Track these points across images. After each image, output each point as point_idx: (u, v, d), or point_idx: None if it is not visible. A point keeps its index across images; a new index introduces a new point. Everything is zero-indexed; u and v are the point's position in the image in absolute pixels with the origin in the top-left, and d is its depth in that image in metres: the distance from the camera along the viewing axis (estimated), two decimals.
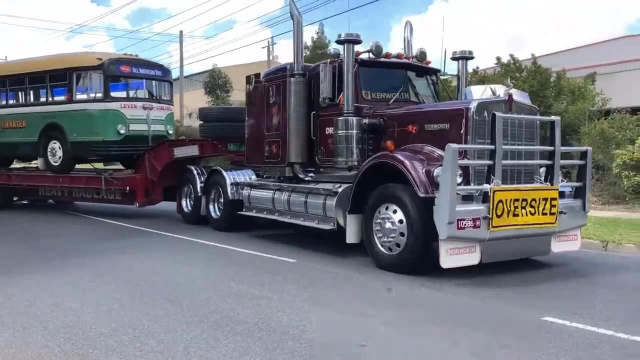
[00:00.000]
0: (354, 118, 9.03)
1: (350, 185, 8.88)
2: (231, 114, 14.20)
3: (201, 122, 14.53)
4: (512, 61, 24.56)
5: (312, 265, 8.65)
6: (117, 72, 15.93)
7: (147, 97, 16.58)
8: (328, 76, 9.11)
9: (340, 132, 9.06)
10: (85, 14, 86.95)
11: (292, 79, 10.22)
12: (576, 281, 7.58)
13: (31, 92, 17.43)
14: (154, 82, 16.88)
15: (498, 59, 25.26)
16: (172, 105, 17.55)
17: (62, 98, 16.51)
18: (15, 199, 18.83)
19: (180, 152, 14.88)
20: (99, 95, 15.65)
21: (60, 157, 16.39)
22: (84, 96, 16.06)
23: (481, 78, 23.14)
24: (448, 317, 6.00)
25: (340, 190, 9.13)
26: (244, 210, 11.83)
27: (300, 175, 10.37)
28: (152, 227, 13.63)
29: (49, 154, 16.62)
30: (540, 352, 4.90)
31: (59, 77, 16.46)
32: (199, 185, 13.45)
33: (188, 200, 14.14)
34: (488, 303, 6.49)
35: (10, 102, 17.91)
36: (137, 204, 15.26)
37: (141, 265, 8.85)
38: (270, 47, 48.64)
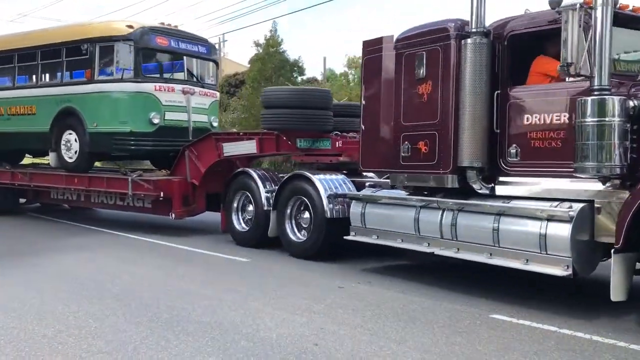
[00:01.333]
0: (615, 98, 5.25)
1: (612, 207, 5.35)
2: (307, 98, 10.07)
3: (264, 110, 10.56)
4: None
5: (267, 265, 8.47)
6: (151, 45, 12.07)
7: (187, 78, 12.74)
8: (575, 30, 5.28)
9: (588, 120, 5.25)
10: (30, 3, 79.83)
11: (467, 40, 6.42)
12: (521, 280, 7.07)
13: (44, 70, 13.48)
14: (195, 60, 13.04)
15: None
16: (217, 91, 13.71)
17: (81, 77, 12.64)
18: (22, 201, 14.89)
19: (232, 149, 11.05)
20: (128, 73, 11.79)
21: (76, 152, 12.49)
22: (109, 75, 12.17)
23: None
24: (398, 315, 5.84)
25: (575, 213, 5.46)
26: (352, 234, 8.08)
27: (476, 187, 6.58)
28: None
29: (62, 147, 12.71)
30: (489, 348, 4.87)
31: (77, 51, 12.57)
32: (263, 195, 9.63)
33: (242, 214, 10.33)
34: (437, 302, 6.30)
35: (20, 83, 13.94)
36: (173, 215, 11.40)
37: (88, 265, 8.38)
38: (221, 44, 44.65)
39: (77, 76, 12.81)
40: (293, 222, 9.17)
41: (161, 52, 12.53)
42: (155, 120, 11.94)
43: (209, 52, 13.33)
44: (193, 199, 11.65)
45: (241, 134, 11.39)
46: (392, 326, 5.40)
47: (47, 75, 13.43)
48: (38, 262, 8.42)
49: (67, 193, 13.59)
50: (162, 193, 11.33)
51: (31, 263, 8.37)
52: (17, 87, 13.78)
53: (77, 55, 12.66)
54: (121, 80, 11.85)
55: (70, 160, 12.62)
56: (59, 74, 13.00)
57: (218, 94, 13.72)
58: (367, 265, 8.35)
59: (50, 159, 13.30)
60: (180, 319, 5.53)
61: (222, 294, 6.58)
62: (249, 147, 10.82)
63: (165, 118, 12.14)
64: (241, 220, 10.29)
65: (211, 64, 13.45)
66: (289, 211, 9.16)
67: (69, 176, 12.71)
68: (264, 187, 9.69)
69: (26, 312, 5.81)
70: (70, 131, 12.57)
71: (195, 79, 12.90)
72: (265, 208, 9.55)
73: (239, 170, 10.61)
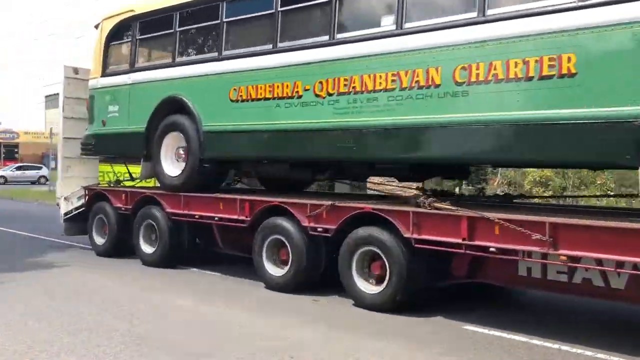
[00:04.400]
0: None
1: None
2: None
3: None
4: None
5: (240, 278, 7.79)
6: None
7: None
8: None
9: None
10: None
11: None
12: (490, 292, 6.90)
13: None
14: None
15: None
16: None
17: None
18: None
19: None
20: None
21: None
22: None
23: None
24: (376, 328, 5.58)
25: None
26: None
27: None
28: None
29: None
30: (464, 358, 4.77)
31: None
32: None
33: None
34: (411, 313, 5.99)
35: (409, 24, 5.97)
36: None
37: (62, 279, 7.70)
38: None
39: None
40: None
41: None
42: None
43: None
44: None
45: None
46: (370, 338, 5.21)
47: None
48: (10, 278, 7.62)
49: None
50: None
51: (3, 279, 7.48)
52: (403, 32, 5.59)
53: None
54: None
55: None
56: None
57: None
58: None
59: None
60: (155, 333, 5.26)
61: (198, 307, 6.28)
62: None
63: None
64: None
65: None
66: None
67: None
68: None
69: None
70: None
71: None
72: None
73: None
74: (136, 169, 10.27)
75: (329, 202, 6.51)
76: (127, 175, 10.66)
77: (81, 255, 9.65)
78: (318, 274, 6.85)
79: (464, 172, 7.38)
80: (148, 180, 10.45)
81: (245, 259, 8.12)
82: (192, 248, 8.62)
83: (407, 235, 5.81)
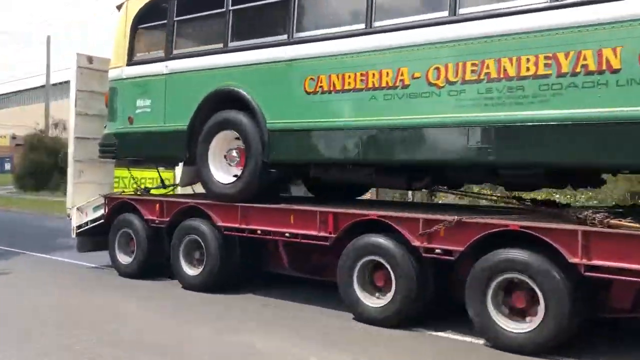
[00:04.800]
0: None
1: None
2: None
3: None
4: None
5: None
6: None
7: None
8: None
9: None
10: None
11: None
12: None
13: None
14: None
15: None
16: None
17: None
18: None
19: None
20: None
21: None
22: None
23: None
24: (328, 333, 5.38)
25: None
26: None
27: None
28: None
29: None
30: None
31: None
32: None
33: None
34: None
35: None
36: None
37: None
38: None
39: None
40: None
41: None
42: None
43: None
44: None
45: None
46: (317, 343, 5.07)
47: None
48: None
49: None
50: None
51: None
52: None
53: None
54: None
55: None
56: None
57: None
58: (286, 285, 7.03)
59: None
60: (108, 341, 5.06)
61: (151, 315, 6.07)
62: None
63: None
64: None
65: None
66: None
67: None
68: None
69: None
70: None
71: None
72: None
73: None
74: (164, 175, 8.82)
75: (453, 217, 5.20)
76: (151, 181, 9.18)
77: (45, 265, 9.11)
78: (427, 304, 5.59)
79: (599, 181, 6.18)
80: (168, 188, 9.04)
81: (310, 282, 6.82)
82: (245, 269, 7.21)
83: (573, 260, 4.55)
